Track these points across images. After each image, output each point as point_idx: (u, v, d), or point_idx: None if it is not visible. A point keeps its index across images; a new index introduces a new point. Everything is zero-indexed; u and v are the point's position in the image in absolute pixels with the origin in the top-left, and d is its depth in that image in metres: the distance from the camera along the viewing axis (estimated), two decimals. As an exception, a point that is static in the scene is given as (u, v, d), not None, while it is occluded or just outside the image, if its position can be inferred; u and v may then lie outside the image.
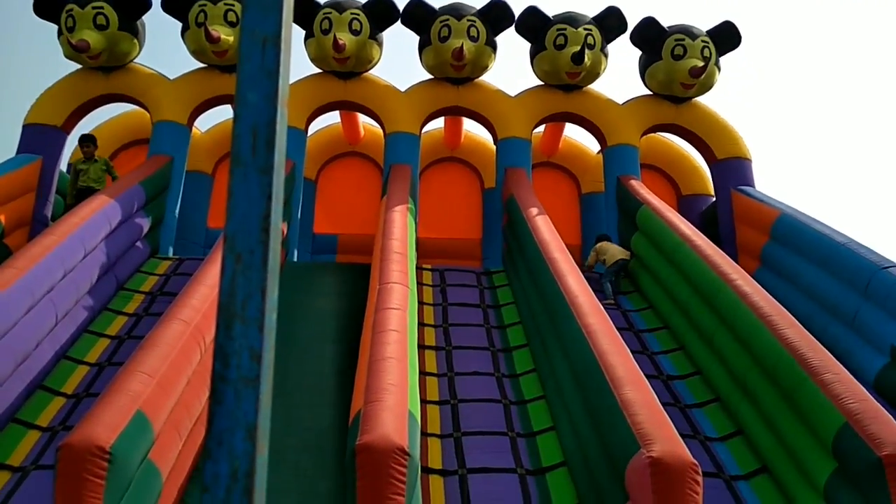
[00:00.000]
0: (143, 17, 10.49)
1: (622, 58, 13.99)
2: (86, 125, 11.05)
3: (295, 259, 10.11)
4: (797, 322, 6.05)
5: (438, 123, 11.92)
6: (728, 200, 10.57)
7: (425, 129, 11.16)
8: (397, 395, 4.72)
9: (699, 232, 8.22)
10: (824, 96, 24.02)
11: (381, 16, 10.57)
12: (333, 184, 12.31)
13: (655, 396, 4.98)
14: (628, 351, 5.57)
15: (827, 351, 5.62)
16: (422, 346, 7.25)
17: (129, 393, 4.49)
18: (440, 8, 10.68)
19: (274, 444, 5.83)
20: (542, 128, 11.69)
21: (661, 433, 4.42)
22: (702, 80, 10.68)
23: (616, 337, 5.71)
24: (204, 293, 6.14)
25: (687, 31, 10.80)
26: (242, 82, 1.32)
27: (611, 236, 10.00)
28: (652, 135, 11.57)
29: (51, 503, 4.94)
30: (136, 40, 10.36)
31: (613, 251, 9.44)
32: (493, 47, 10.75)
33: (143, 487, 4.37)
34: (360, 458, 4.17)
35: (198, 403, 5.46)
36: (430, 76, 10.97)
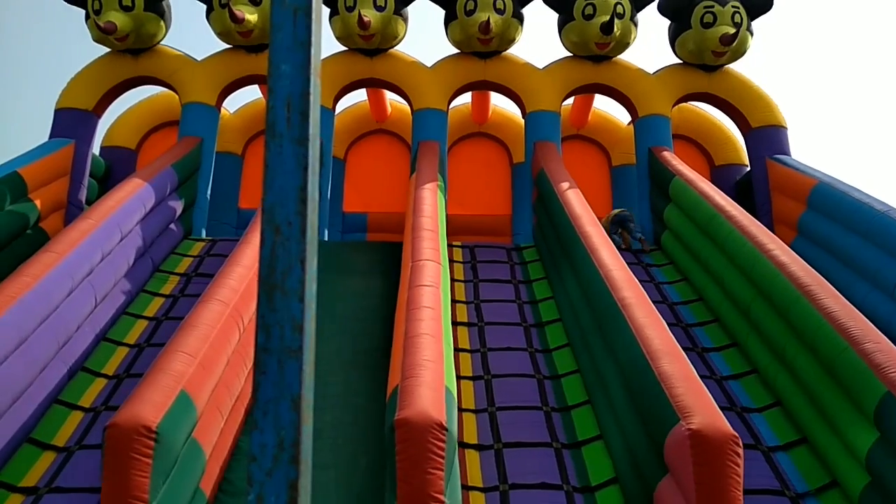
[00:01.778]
0: None
1: (652, 27, 13.73)
2: (116, 108, 11.18)
3: (325, 238, 10.16)
4: (837, 291, 5.94)
5: (466, 98, 11.82)
6: (763, 170, 10.38)
7: (452, 104, 11.08)
8: (434, 370, 4.74)
9: (734, 202, 8.09)
10: (860, 60, 23.38)
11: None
12: (362, 162, 12.31)
13: (693, 368, 4.94)
14: (664, 323, 5.52)
15: (867, 320, 5.53)
16: (454, 323, 7.26)
17: (173, 373, 4.57)
18: (466, -18, 10.54)
19: (314, 420, 5.91)
20: (570, 100, 11.54)
21: (700, 405, 4.39)
22: (734, 46, 10.45)
23: (652, 309, 5.67)
24: (240, 273, 6.21)
25: (717, -2, 10.55)
26: (275, 53, 1.31)
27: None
28: (683, 105, 11.37)
29: (97, 482, 5.08)
30: (162, 21, 10.40)
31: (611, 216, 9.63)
32: (521, 19, 10.60)
33: (188, 465, 4.45)
34: (399, 433, 4.20)
35: (237, 382, 5.54)
36: (456, 51, 10.87)
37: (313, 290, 1.28)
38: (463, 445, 5.54)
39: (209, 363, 5.05)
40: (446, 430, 4.27)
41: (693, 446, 4.11)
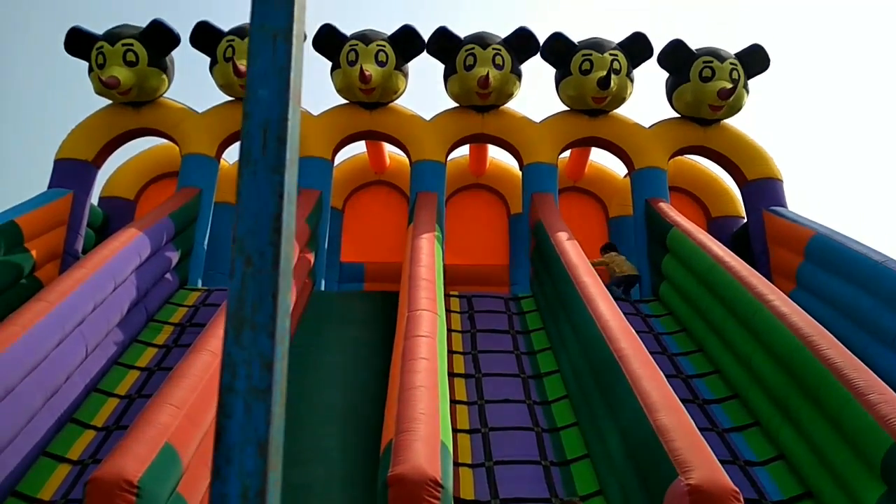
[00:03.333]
0: (172, 53, 10.66)
1: (647, 82, 13.90)
2: (116, 159, 11.26)
3: (322, 288, 10.10)
4: (838, 342, 5.86)
5: (464, 150, 11.91)
6: (760, 221, 10.39)
7: (451, 156, 11.16)
8: (429, 424, 4.63)
9: (732, 253, 8.06)
10: (850, 112, 23.70)
11: (407, 47, 10.65)
12: (360, 212, 12.34)
13: (692, 421, 4.83)
14: (662, 375, 5.43)
15: (871, 371, 5.43)
16: (451, 374, 7.15)
17: (158, 425, 4.46)
18: (465, 37, 10.73)
19: (304, 474, 5.76)
20: (567, 153, 11.63)
21: (699, 459, 4.27)
22: (730, 102, 10.57)
23: (649, 361, 5.58)
24: (232, 323, 6.12)
25: (715, 54, 10.73)
26: (253, 79, 1.28)
27: (617, 246, 10.37)
28: (680, 157, 11.45)
29: (81, 537, 4.91)
30: (164, 76, 10.54)
31: (622, 264, 9.62)
32: (518, 75, 10.76)
33: (172, 521, 4.31)
34: (393, 490, 4.08)
35: (227, 434, 5.41)
36: (455, 104, 11.00)
37: (286, 326, 1.21)
38: (459, 502, 5.38)
39: (196, 415, 4.94)
40: (441, 486, 4.14)
41: (693, 502, 3.98)
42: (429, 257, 8.13)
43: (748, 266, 7.69)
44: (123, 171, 11.88)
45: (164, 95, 10.76)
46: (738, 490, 4.09)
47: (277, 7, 1.27)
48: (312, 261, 9.51)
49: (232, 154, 11.71)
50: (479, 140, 11.24)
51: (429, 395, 5.05)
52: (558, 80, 10.84)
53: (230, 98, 10.78)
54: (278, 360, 1.17)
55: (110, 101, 10.59)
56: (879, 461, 4.59)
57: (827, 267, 8.50)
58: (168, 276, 8.99)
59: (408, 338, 6.04)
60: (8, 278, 8.21)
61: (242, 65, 10.07)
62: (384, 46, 10.58)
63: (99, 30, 10.45)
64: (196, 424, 4.83)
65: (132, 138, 10.75)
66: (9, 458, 5.46)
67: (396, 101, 11.04)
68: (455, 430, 6.22)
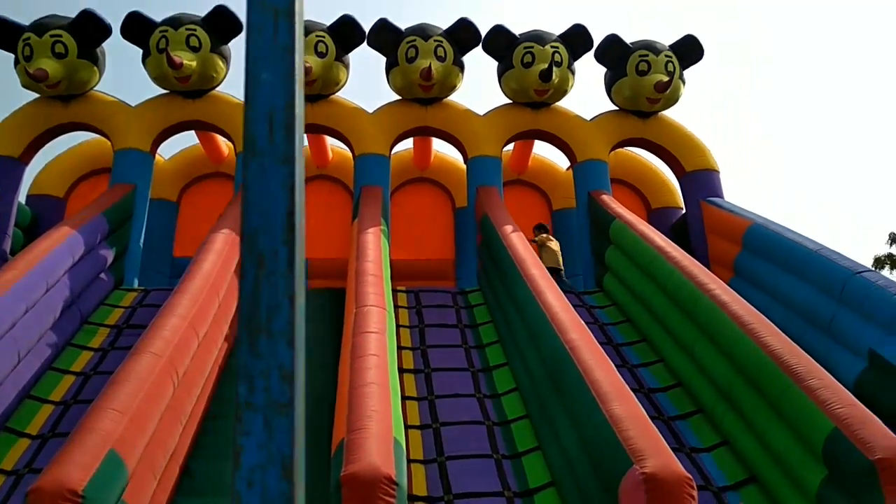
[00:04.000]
0: (103, 45, 10.25)
1: (589, 74, 14.08)
2: (44, 155, 10.79)
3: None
4: (778, 329, 6.03)
5: (408, 144, 11.83)
6: (698, 212, 10.63)
7: (394, 150, 11.07)
8: (381, 421, 4.57)
9: (673, 244, 8.22)
10: (787, 107, 24.52)
11: (347, 37, 10.50)
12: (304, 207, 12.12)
13: (643, 410, 4.90)
14: (613, 365, 5.49)
15: (810, 357, 5.60)
16: (400, 370, 7.09)
17: (101, 432, 4.27)
18: (407, 28, 10.65)
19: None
20: (511, 146, 11.67)
21: (652, 448, 4.33)
22: (667, 94, 10.77)
23: (599, 351, 5.63)
24: (175, 324, 5.93)
25: (650, 47, 10.91)
26: (253, 60, 1.17)
27: (548, 228, 10.46)
28: (620, 150, 11.62)
29: (17, 552, 4.69)
30: (95, 68, 10.13)
31: (551, 255, 9.70)
32: (461, 67, 10.73)
33: (117, 531, 4.14)
34: (347, 489, 4.00)
35: (172, 440, 5.24)
36: (398, 97, 10.91)
37: (303, 334, 1.12)
38: (412, 499, 5.33)
39: (141, 420, 4.76)
40: (396, 484, 4.09)
41: (648, 490, 4.03)
42: (375, 252, 8.04)
43: (689, 256, 7.85)
44: (52, 167, 11.39)
45: (95, 88, 10.34)
46: (690, 477, 4.16)
47: None
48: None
49: (167, 149, 11.36)
50: (423, 133, 11.18)
51: (380, 392, 4.99)
52: (500, 73, 10.86)
53: (164, 91, 10.44)
54: (298, 370, 1.07)
55: (38, 95, 10.13)
56: (821, 446, 4.73)
57: (764, 256, 8.74)
58: (103, 276, 8.65)
59: (357, 334, 5.95)
60: (-71, 281, 7.77)
61: (177, 56, 9.76)
62: (323, 37, 10.42)
63: (26, 21, 9.99)
64: (140, 430, 4.65)
65: (61, 133, 10.32)
66: (-64, 472, 5.18)
67: (338, 94, 10.88)
68: (406, 427, 6.17)
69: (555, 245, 9.95)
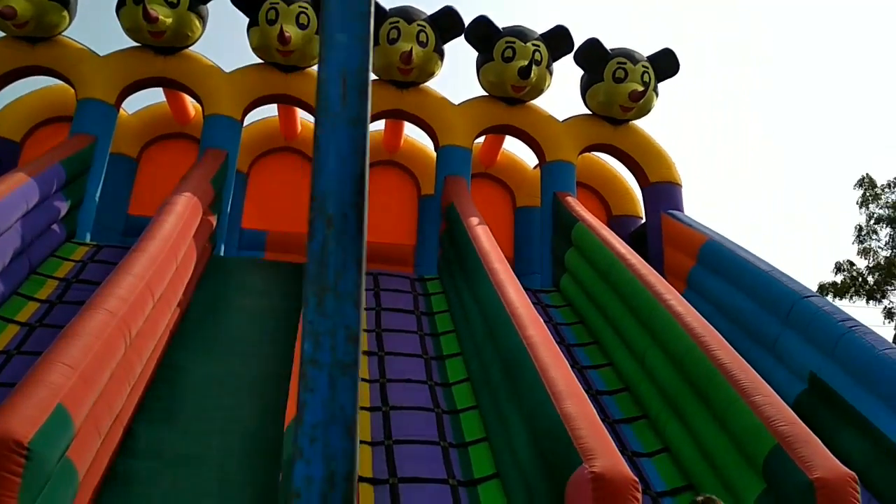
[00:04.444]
0: (76, -11, 9.92)
1: (563, 77, 14.19)
2: (5, 97, 10.41)
3: (222, 254, 9.74)
4: (728, 344, 6.20)
5: (378, 125, 11.76)
6: (658, 223, 10.83)
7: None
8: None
9: (634, 252, 8.36)
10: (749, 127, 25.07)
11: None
12: (265, 179, 11.96)
13: (595, 411, 4.99)
14: (567, 364, 5.57)
15: (757, 374, 5.78)
16: (355, 350, 7.08)
17: (50, 385, 4.17)
18: (390, 9, 10.56)
19: (198, 444, 5.56)
20: (481, 139, 11.70)
21: (602, 448, 4.42)
22: (640, 104, 10.93)
23: (556, 350, 5.72)
24: (131, 283, 5.80)
25: (629, 56, 11.04)
26: (331, 21, 1.16)
27: None
28: (587, 154, 11.75)
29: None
30: (66, 12, 9.81)
31: None
32: (441, 54, 10.70)
33: (59, 487, 4.05)
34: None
35: (119, 400, 5.14)
36: (374, 77, 10.82)
37: (363, 296, 1.11)
38: (358, 479, 5.34)
39: (90, 377, 4.66)
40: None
41: (595, 489, 4.12)
42: (339, 231, 7.99)
43: (648, 266, 8.00)
44: (10, 110, 10.97)
45: (64, 34, 10.01)
46: (637, 480, 4.26)
47: None
48: (214, 224, 9.15)
49: (131, 104, 11.06)
50: (396, 116, 11.12)
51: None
52: (480, 64, 10.86)
53: (136, 44, 10.16)
54: (359, 333, 1.08)
55: (3, 34, 9.75)
56: (762, 460, 4.89)
57: (717, 271, 8.96)
58: (55, 227, 8.41)
59: (317, 311, 5.91)
60: None
61: (153, 9, 9.50)
62: (306, 9, 10.27)
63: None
64: (90, 387, 4.55)
65: (25, 76, 9.96)
66: None
67: (313, 67, 10.74)
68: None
69: None
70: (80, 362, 4.56)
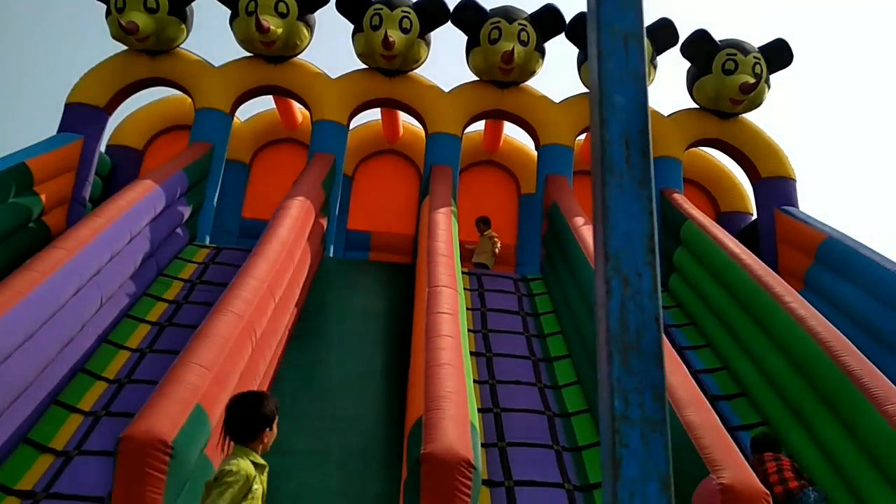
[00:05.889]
0: (193, 4, 10.42)
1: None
2: (127, 107, 11.04)
3: (330, 255, 10.03)
4: (856, 349, 5.91)
5: (478, 126, 11.79)
6: (771, 220, 10.42)
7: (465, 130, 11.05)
8: (457, 403, 4.63)
9: (748, 251, 8.07)
10: (869, 115, 23.71)
11: (432, 15, 10.47)
12: (369, 180, 12.23)
13: (718, 419, 4.86)
14: (687, 371, 5.45)
15: (888, 380, 5.49)
16: (465, 352, 7.15)
17: (189, 385, 4.42)
18: (491, 10, 10.58)
19: (320, 441, 5.75)
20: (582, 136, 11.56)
21: (730, 459, 4.30)
22: (751, 96, 10.53)
23: (674, 356, 5.60)
24: (254, 286, 6.07)
25: (739, 47, 10.66)
26: (607, 82, 1.20)
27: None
28: (693, 149, 11.42)
29: (96, 490, 4.89)
30: (183, 25, 10.31)
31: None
32: (542, 53, 10.64)
33: (200, 483, 4.28)
34: (426, 467, 4.07)
35: (247, 398, 5.38)
36: (474, 77, 10.87)
37: (664, 352, 1.16)
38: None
39: (223, 377, 4.90)
40: (473, 467, 4.15)
41: (725, 501, 4.01)
42: (446, 232, 8.08)
43: (765, 265, 7.71)
44: (133, 120, 11.67)
45: (181, 46, 10.53)
46: (768, 493, 4.13)
47: (626, 8, 1.20)
48: (325, 226, 9.43)
49: (242, 111, 11.51)
50: (496, 116, 11.12)
51: (455, 373, 5.04)
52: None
53: (248, 54, 10.58)
54: (665, 390, 1.12)
55: (126, 48, 10.35)
56: (898, 473, 4.65)
57: (838, 271, 8.55)
58: (179, 230, 8.88)
59: (430, 313, 6.01)
60: (17, 221, 8.07)
61: (265, 20, 9.86)
62: (409, 13, 10.41)
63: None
64: (223, 387, 4.79)
65: (146, 87, 10.53)
66: (22, 406, 5.41)
67: (416, 71, 10.89)
68: (471, 409, 6.23)
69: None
70: (213, 363, 4.81)
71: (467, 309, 8.32)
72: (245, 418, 3.26)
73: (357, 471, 5.50)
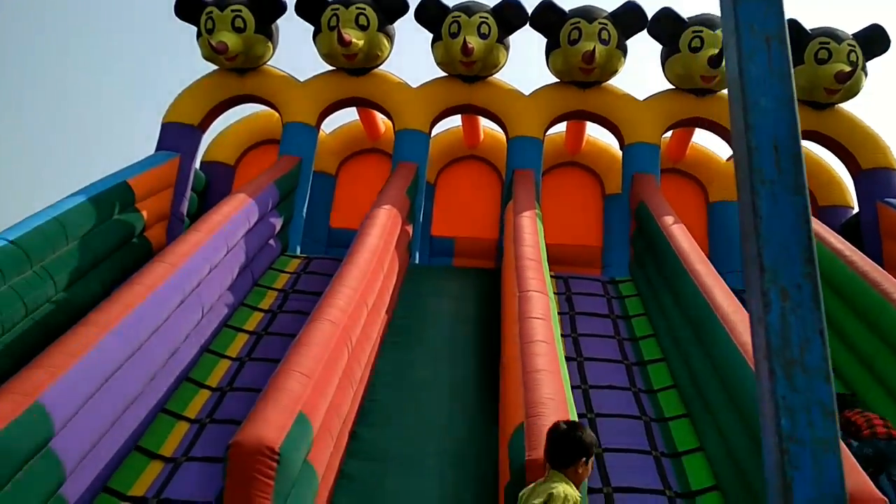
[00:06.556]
0: (278, 21, 10.73)
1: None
2: (218, 124, 11.46)
3: (416, 261, 10.13)
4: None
5: (559, 128, 11.69)
6: (873, 213, 9.92)
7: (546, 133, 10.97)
8: (558, 409, 4.59)
9: (852, 246, 7.71)
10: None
11: (510, 20, 10.47)
12: (451, 187, 12.29)
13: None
14: (792, 373, 5.23)
15: None
16: (557, 357, 7.08)
17: (291, 393, 4.54)
18: (570, 10, 10.48)
19: (413, 447, 5.80)
20: (669, 133, 11.29)
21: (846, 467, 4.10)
22: (847, 85, 10.06)
23: (778, 358, 5.38)
24: (348, 294, 6.18)
25: (832, 34, 10.20)
26: (752, 85, 1.17)
27: None
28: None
29: (204, 495, 5.08)
30: (270, 43, 10.63)
31: None
32: (624, 51, 10.46)
33: (303, 489, 4.39)
34: (530, 475, 4.05)
35: (345, 405, 5.49)
36: (555, 80, 10.79)
37: (830, 369, 1.12)
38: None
39: (323, 384, 5.02)
40: (576, 472, 4.09)
41: None
42: (532, 237, 8.03)
43: (871, 261, 7.35)
44: (224, 136, 12.11)
45: (268, 63, 10.86)
46: (885, 499, 3.92)
47: (768, 9, 1.17)
48: (411, 233, 9.54)
49: (327, 123, 11.78)
50: (579, 117, 11.00)
51: (553, 378, 5.00)
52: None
53: (332, 68, 10.81)
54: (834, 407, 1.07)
55: (216, 67, 10.75)
56: None
57: (951, 266, 8.07)
58: (271, 241, 9.15)
59: (523, 319, 5.98)
60: (121, 237, 8.48)
61: (346, 33, 10.06)
62: (487, 18, 10.42)
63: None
64: (323, 394, 4.90)
65: (236, 104, 10.91)
66: (133, 414, 5.67)
67: (495, 76, 10.88)
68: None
69: None
70: (313, 371, 4.92)
71: (557, 313, 8.25)
72: (566, 442, 3.32)
73: (452, 477, 5.51)
